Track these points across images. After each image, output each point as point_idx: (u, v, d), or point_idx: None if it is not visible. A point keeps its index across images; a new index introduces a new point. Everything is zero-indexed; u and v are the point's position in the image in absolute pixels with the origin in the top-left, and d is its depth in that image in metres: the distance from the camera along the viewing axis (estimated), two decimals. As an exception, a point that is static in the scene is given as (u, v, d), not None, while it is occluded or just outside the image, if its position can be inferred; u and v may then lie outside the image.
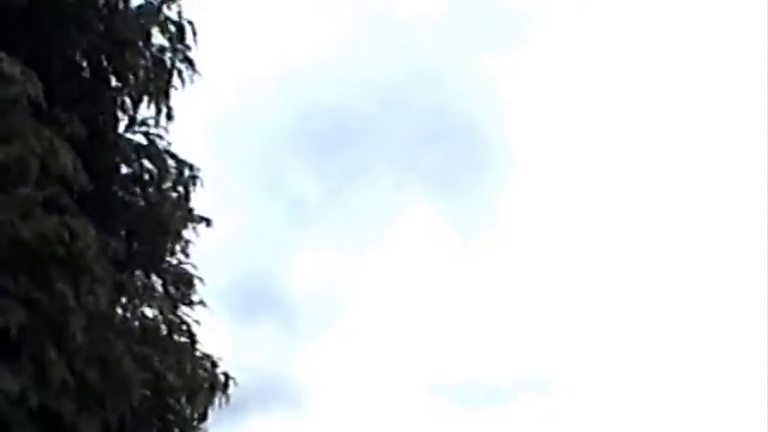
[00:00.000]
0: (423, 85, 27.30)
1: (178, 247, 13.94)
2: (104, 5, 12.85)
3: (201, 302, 13.72)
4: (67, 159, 11.32)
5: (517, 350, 27.43)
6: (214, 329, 13.91)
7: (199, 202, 14.16)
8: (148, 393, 11.81)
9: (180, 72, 13.53)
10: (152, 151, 13.60)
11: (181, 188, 13.81)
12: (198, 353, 13.15)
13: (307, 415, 25.86)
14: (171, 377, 12.01)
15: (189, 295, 13.79)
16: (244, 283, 23.54)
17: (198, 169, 13.81)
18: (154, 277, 13.67)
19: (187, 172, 13.75)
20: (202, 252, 14.23)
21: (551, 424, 25.94)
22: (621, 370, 26.74)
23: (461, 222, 29.02)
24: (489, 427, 26.96)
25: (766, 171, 25.27)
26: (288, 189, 27.53)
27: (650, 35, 28.15)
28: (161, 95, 13.34)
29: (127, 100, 13.51)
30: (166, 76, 13.37)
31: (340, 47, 26.28)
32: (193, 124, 14.79)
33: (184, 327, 13.15)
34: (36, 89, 11.14)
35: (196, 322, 13.56)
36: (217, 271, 14.73)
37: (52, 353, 10.66)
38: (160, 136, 13.60)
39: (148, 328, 12.31)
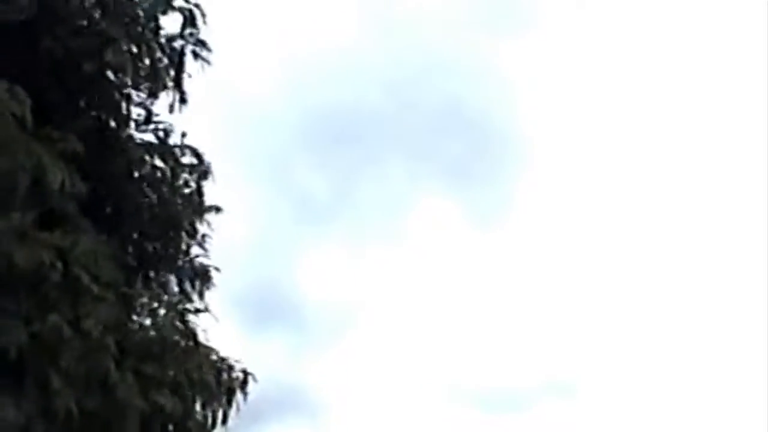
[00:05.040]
0: (436, 77, 26.73)
1: (193, 242, 13.85)
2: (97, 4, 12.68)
3: (205, 309, 13.48)
4: (56, 173, 11.33)
5: (537, 353, 26.59)
6: (227, 337, 13.76)
7: (209, 201, 14.03)
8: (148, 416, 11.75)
9: (195, 54, 13.36)
10: (163, 148, 13.44)
11: (193, 183, 13.70)
12: (213, 357, 12.99)
13: (325, 423, 25.19)
14: (169, 402, 11.87)
15: (205, 290, 13.74)
16: (256, 289, 22.86)
17: (209, 163, 13.70)
18: (171, 277, 13.66)
19: (198, 165, 13.61)
20: (213, 258, 14.08)
21: (573, 428, 25.29)
22: (644, 373, 26.08)
23: (477, 214, 28.35)
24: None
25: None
26: (299, 187, 26.94)
27: (668, 23, 27.57)
28: (173, 86, 13.19)
29: (136, 97, 13.40)
30: (176, 64, 13.21)
31: (350, 41, 25.69)
32: (200, 122, 14.42)
33: (192, 334, 12.92)
34: (22, 108, 11.15)
35: (205, 322, 13.34)
36: (228, 279, 14.44)
37: (56, 382, 10.74)
38: (168, 131, 13.47)
39: (151, 342, 12.16)
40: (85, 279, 11.20)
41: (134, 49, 12.87)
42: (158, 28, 13.25)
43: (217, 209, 13.75)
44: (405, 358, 25.88)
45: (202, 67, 13.37)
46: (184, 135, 13.38)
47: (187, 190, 13.62)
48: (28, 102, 11.22)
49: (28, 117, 11.21)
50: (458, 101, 26.63)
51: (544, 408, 26.37)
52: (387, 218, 27.17)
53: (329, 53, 24.98)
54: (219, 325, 13.50)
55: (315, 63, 24.86)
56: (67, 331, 10.86)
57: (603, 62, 27.13)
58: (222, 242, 14.35)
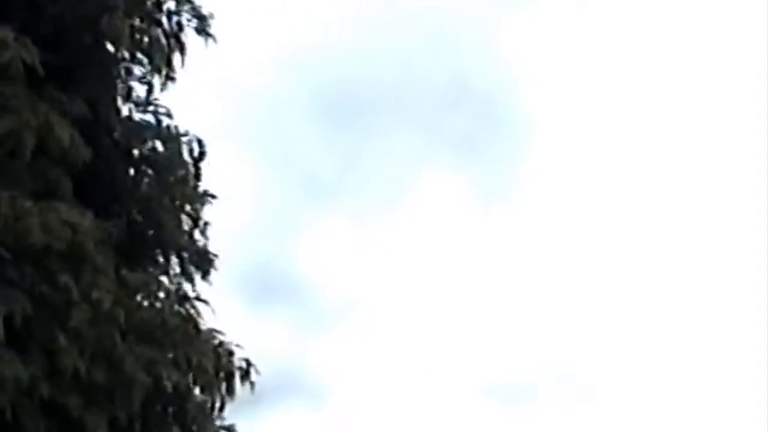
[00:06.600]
0: (441, 52, 26.42)
1: (194, 225, 13.49)
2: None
3: (202, 298, 13.03)
4: (64, 134, 10.96)
5: (546, 339, 26.13)
6: (229, 317, 13.28)
7: (210, 181, 13.78)
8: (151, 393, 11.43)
9: (198, 30, 12.98)
10: (161, 130, 13.08)
11: (191, 166, 13.33)
12: (215, 341, 12.54)
13: (327, 408, 24.89)
14: (173, 376, 11.52)
15: (208, 273, 13.40)
16: (258, 268, 22.68)
17: (206, 145, 13.34)
18: (173, 259, 13.32)
19: (196, 149, 13.26)
20: (215, 237, 13.80)
21: (588, 420, 24.86)
22: (663, 366, 25.66)
23: (484, 189, 28.04)
24: (521, 422, 25.76)
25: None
26: (303, 163, 26.67)
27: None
28: (166, 62, 12.77)
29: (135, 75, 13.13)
30: (174, 43, 12.79)
31: (353, 15, 25.38)
32: (202, 96, 14.10)
33: (191, 317, 12.53)
34: (31, 55, 10.76)
35: (205, 301, 13.00)
36: (228, 257, 14.06)
37: (62, 340, 10.46)
38: (168, 115, 13.12)
39: (151, 324, 11.70)
40: (90, 248, 10.88)
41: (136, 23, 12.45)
42: (160, 2, 12.86)
43: (212, 196, 13.42)
44: (411, 339, 25.62)
45: (205, 41, 13.00)
46: (170, 115, 13.03)
47: (185, 173, 13.20)
48: (36, 51, 10.86)
49: (38, 67, 10.86)
50: (464, 76, 26.46)
51: (556, 398, 26.01)
52: (392, 194, 26.99)
53: (334, 28, 24.75)
54: (220, 305, 13.09)
55: (320, 38, 24.62)
56: (75, 294, 10.58)
57: (610, 39, 26.91)
58: (225, 221, 14.06)
